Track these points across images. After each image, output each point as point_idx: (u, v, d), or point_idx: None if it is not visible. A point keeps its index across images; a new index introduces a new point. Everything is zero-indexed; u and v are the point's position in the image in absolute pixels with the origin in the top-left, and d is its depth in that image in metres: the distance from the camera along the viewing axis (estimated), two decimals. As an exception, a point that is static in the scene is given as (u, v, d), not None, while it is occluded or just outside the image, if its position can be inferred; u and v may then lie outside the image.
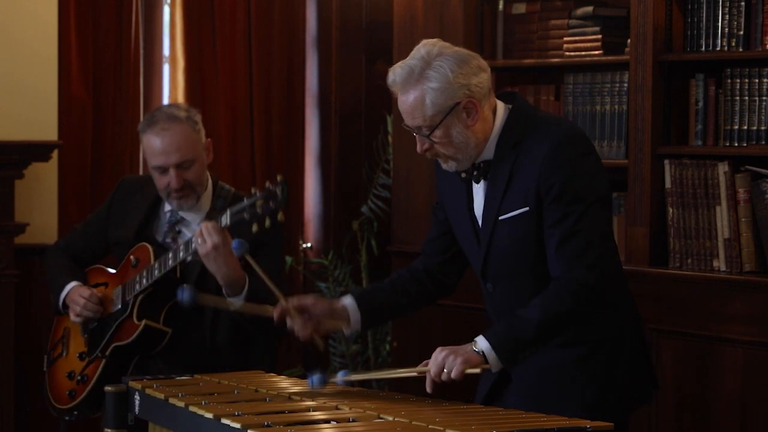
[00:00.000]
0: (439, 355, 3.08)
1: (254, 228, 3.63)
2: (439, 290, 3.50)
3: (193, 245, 3.80)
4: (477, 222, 3.29)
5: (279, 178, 3.61)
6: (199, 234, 3.77)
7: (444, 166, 3.26)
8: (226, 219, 3.75)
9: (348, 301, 3.41)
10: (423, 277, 3.47)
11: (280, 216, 3.61)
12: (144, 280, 3.94)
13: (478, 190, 3.27)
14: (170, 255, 3.89)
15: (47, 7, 5.42)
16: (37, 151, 5.31)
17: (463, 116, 3.16)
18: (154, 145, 3.97)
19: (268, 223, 3.60)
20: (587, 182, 3.16)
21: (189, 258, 3.88)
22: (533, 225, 3.17)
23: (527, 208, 3.17)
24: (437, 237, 3.48)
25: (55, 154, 5.40)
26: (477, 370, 3.06)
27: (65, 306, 4.12)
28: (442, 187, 3.43)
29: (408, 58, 3.19)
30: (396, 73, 3.19)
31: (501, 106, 3.25)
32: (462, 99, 3.15)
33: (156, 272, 3.91)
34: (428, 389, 3.09)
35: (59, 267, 4.19)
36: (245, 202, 3.65)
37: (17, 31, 5.36)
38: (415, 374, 3.16)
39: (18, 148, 5.25)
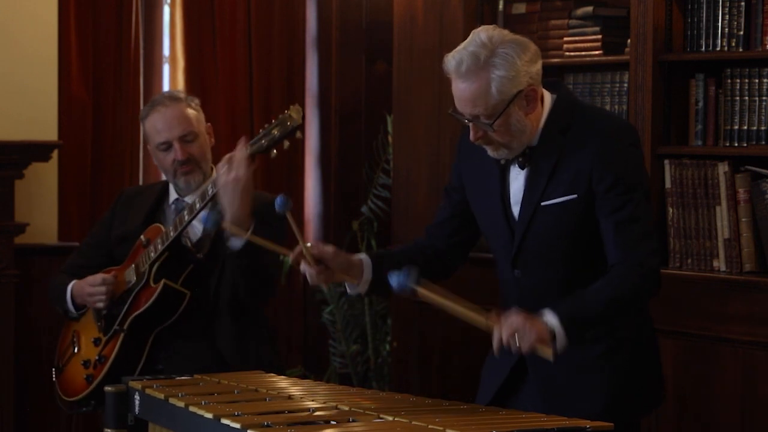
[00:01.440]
0: (515, 319, 2.99)
1: (273, 153, 3.77)
2: (441, 271, 3.44)
3: (211, 187, 3.83)
4: (510, 209, 3.25)
5: (296, 104, 3.77)
6: (226, 160, 3.82)
7: (493, 153, 3.21)
8: (246, 150, 3.82)
9: (364, 259, 3.33)
10: (430, 254, 3.42)
11: (298, 134, 3.75)
12: (159, 246, 3.98)
13: (517, 176, 3.24)
14: (185, 212, 3.94)
15: (47, 7, 5.42)
16: (37, 151, 5.31)
17: (523, 104, 3.14)
18: (157, 123, 4.05)
19: (287, 144, 3.75)
20: (638, 172, 3.19)
21: (207, 207, 3.91)
22: (578, 213, 3.16)
23: (575, 196, 3.16)
24: (447, 219, 3.44)
25: (55, 154, 5.40)
26: (548, 353, 2.96)
27: (77, 306, 4.12)
28: (466, 172, 3.38)
29: (468, 44, 3.12)
30: (458, 59, 3.11)
31: (547, 95, 3.23)
32: (524, 86, 3.13)
33: (172, 233, 3.96)
34: (495, 350, 3.02)
35: (58, 282, 4.20)
36: (262, 131, 3.78)
37: (17, 31, 5.36)
38: (483, 321, 3.03)
39: (18, 148, 5.26)
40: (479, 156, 3.30)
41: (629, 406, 3.25)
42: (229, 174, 3.80)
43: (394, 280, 3.03)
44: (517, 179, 3.25)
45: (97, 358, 4.06)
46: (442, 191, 3.51)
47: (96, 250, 4.23)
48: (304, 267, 3.29)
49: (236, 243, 3.85)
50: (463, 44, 3.15)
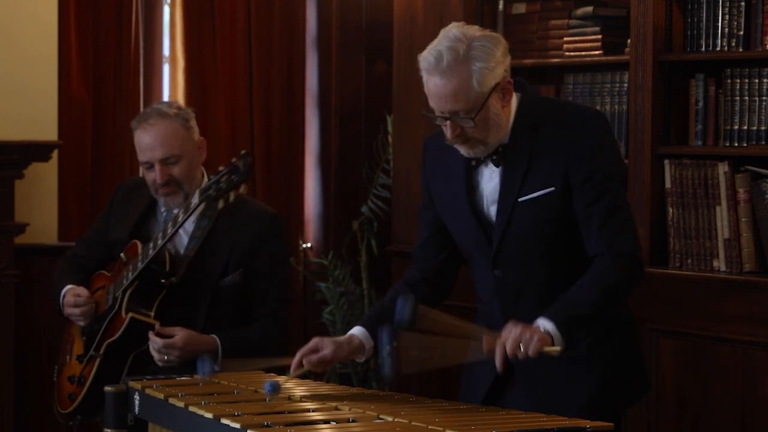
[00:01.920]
0: (514, 330, 3.01)
1: (220, 204, 3.76)
2: (438, 295, 3.45)
3: (170, 230, 3.85)
4: (484, 210, 3.26)
5: (242, 152, 3.73)
6: (157, 357, 3.87)
7: (467, 152, 3.20)
8: (195, 199, 3.81)
9: (359, 332, 3.33)
10: (420, 286, 3.43)
11: (242, 189, 3.75)
12: (130, 274, 3.96)
13: (492, 177, 3.24)
14: (151, 245, 3.92)
15: (47, 7, 5.42)
16: (37, 151, 5.31)
17: (500, 96, 3.15)
18: (142, 141, 4.01)
19: (232, 197, 3.73)
20: (613, 160, 3.21)
21: (172, 243, 3.94)
22: (556, 206, 3.17)
23: (552, 189, 3.16)
24: (428, 239, 3.45)
25: (55, 154, 5.40)
26: (556, 349, 2.99)
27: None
28: (433, 182, 3.40)
29: (441, 40, 3.12)
30: (436, 56, 3.10)
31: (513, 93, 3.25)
32: (501, 79, 3.14)
33: (139, 264, 3.93)
34: (499, 366, 3.02)
35: (60, 275, 4.20)
36: (211, 179, 3.78)
37: (17, 31, 5.36)
38: (481, 342, 3.05)
39: (18, 148, 5.26)
40: (444, 164, 3.31)
41: (615, 396, 3.26)
42: (170, 359, 3.87)
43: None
44: (492, 179, 3.25)
45: (78, 378, 4.07)
46: (417, 215, 3.50)
47: (96, 245, 4.23)
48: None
49: (205, 369, 3.83)
50: (435, 42, 3.14)
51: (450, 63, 3.10)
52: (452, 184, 3.32)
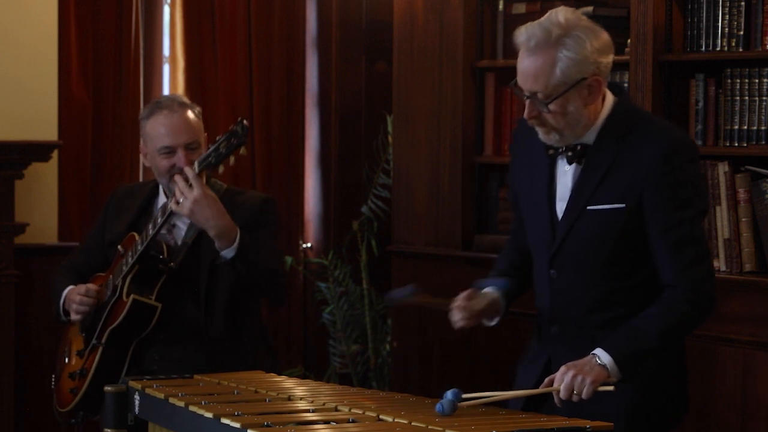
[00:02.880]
0: (567, 375, 2.98)
1: (221, 169, 3.82)
2: (523, 284, 3.41)
3: (170, 207, 3.87)
4: (555, 206, 3.20)
5: (239, 119, 3.81)
6: (178, 192, 3.83)
7: (544, 137, 3.15)
8: (195, 167, 3.85)
9: (493, 292, 3.29)
10: (525, 254, 3.38)
11: (242, 150, 3.81)
12: (130, 259, 3.97)
13: (566, 174, 3.19)
14: (150, 225, 3.94)
15: (47, 7, 5.42)
16: (37, 151, 5.31)
17: (584, 92, 3.09)
18: (160, 128, 4.01)
19: (232, 161, 3.80)
20: (695, 190, 3.13)
21: (171, 221, 3.97)
22: (622, 223, 3.11)
23: (623, 205, 3.10)
24: (518, 230, 3.40)
25: (55, 154, 5.40)
26: (610, 388, 2.97)
27: (66, 312, 4.12)
28: (517, 166, 3.34)
29: (544, 19, 3.09)
30: (530, 33, 3.07)
31: (609, 96, 3.18)
32: (590, 75, 3.07)
33: (139, 246, 3.94)
34: (558, 405, 3.01)
35: (58, 283, 4.21)
36: (209, 148, 3.83)
37: (17, 31, 5.36)
38: (540, 392, 3.06)
39: (18, 148, 5.26)
40: (530, 149, 3.25)
41: (650, 421, 3.19)
42: (186, 203, 3.82)
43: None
44: (565, 175, 3.19)
45: (79, 371, 4.07)
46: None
47: (92, 252, 4.24)
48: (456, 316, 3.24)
49: (228, 253, 3.86)
50: (540, 19, 3.11)
51: (539, 43, 3.06)
52: (534, 172, 3.25)
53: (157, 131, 4.02)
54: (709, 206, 3.20)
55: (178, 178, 3.86)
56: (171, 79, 5.91)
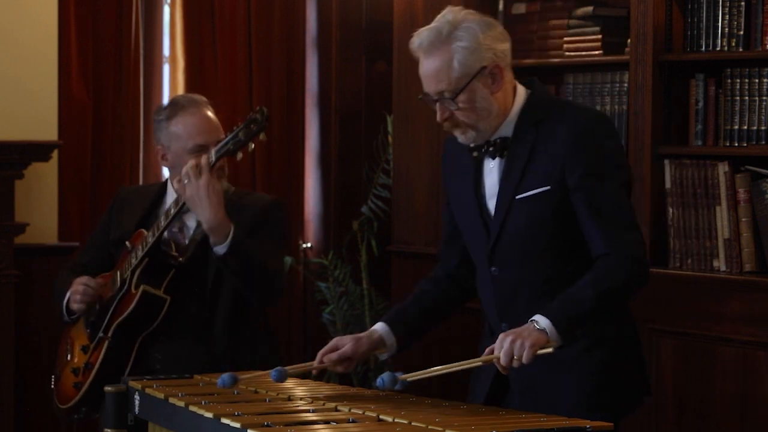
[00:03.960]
0: (505, 341, 3.00)
1: (239, 156, 3.80)
2: (463, 293, 3.45)
3: (182, 184, 3.86)
4: (485, 204, 3.25)
5: (259, 107, 3.80)
6: (186, 173, 3.83)
7: (461, 138, 3.21)
8: (212, 154, 3.83)
9: (380, 327, 3.34)
10: (446, 284, 3.43)
11: (262, 136, 3.76)
12: (139, 252, 3.97)
13: (492, 171, 3.24)
14: (162, 218, 3.94)
15: (47, 7, 5.42)
16: (37, 151, 5.31)
17: (488, 81, 3.14)
18: (193, 127, 4.01)
19: (251, 147, 3.77)
20: (614, 161, 3.17)
21: (180, 219, 3.96)
22: (552, 206, 3.15)
23: (548, 187, 3.14)
24: (450, 237, 3.44)
25: (55, 154, 5.40)
26: (549, 350, 2.99)
27: (70, 312, 4.12)
28: (448, 176, 3.39)
29: (433, 22, 3.15)
30: (422, 36, 3.14)
31: (521, 88, 3.23)
32: (489, 62, 3.13)
33: (150, 239, 3.94)
34: (503, 372, 3.05)
35: (62, 282, 4.20)
36: (229, 134, 3.81)
37: (17, 31, 5.36)
38: (481, 363, 3.09)
39: (18, 148, 5.26)
40: (458, 160, 3.30)
41: (609, 403, 3.22)
42: (193, 184, 3.82)
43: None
44: (492, 173, 3.24)
45: (84, 365, 4.07)
46: (441, 214, 3.51)
47: (97, 252, 4.24)
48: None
49: (220, 249, 3.86)
50: (427, 25, 3.18)
51: (433, 43, 3.12)
52: (463, 177, 3.31)
53: (187, 131, 4.01)
54: (633, 179, 3.23)
55: (190, 162, 3.85)
56: (171, 79, 5.91)
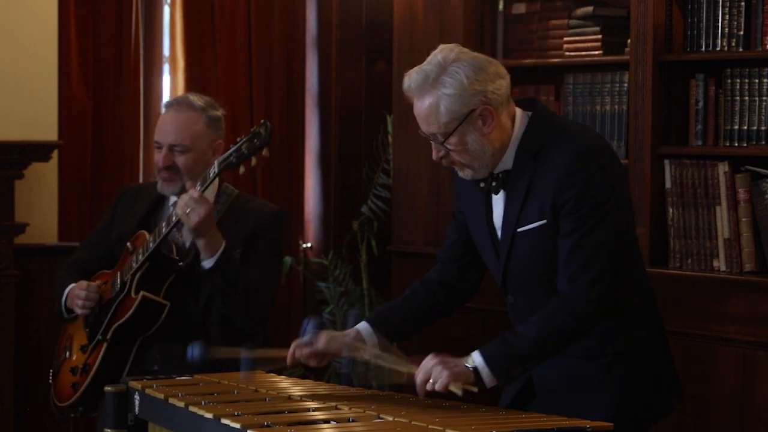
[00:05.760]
0: (429, 362, 3.04)
1: (241, 170, 3.79)
2: (455, 300, 3.44)
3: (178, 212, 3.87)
4: (496, 234, 3.23)
5: (262, 121, 3.78)
6: (181, 207, 3.83)
7: (460, 174, 3.19)
8: (214, 168, 3.83)
9: (363, 327, 3.35)
10: (437, 289, 3.42)
11: (265, 152, 3.74)
12: (140, 256, 3.98)
13: (498, 201, 3.22)
14: (163, 223, 3.94)
15: (47, 7, 5.42)
16: (37, 151, 5.31)
17: (478, 124, 3.10)
18: (162, 122, 4.09)
19: (254, 162, 3.75)
20: (604, 196, 3.09)
21: (179, 239, 3.95)
22: (551, 237, 3.12)
23: (545, 221, 3.12)
24: (456, 241, 3.42)
25: (55, 154, 5.40)
26: (458, 391, 3.00)
27: (69, 310, 4.12)
28: (461, 196, 3.37)
29: (425, 63, 3.12)
30: (411, 79, 3.12)
31: (520, 114, 3.18)
32: (477, 106, 3.08)
33: (151, 244, 3.95)
34: (419, 392, 3.06)
35: (62, 280, 4.21)
36: (232, 146, 3.80)
37: (17, 31, 5.36)
38: (403, 371, 3.12)
39: (18, 148, 5.26)
40: (470, 182, 3.28)
41: (634, 416, 3.20)
42: (191, 219, 3.81)
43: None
44: (498, 204, 3.23)
45: (82, 366, 4.07)
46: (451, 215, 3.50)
47: (98, 249, 4.24)
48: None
49: (206, 263, 3.88)
50: (420, 65, 3.14)
51: (421, 85, 3.10)
52: (475, 204, 3.29)
53: (158, 125, 4.10)
54: (623, 207, 3.16)
55: (182, 196, 3.86)
56: (171, 79, 5.91)
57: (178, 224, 3.95)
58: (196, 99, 4.10)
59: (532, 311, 3.16)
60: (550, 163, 3.11)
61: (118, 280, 4.04)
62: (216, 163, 3.86)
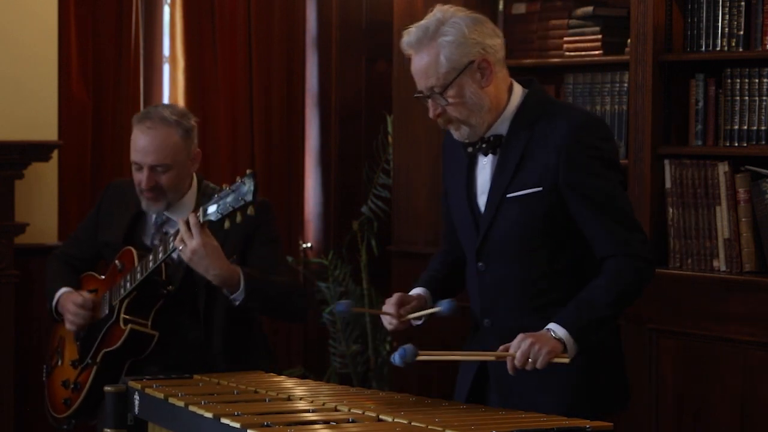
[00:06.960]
0: (523, 342, 3.03)
1: (226, 225, 3.64)
2: (462, 283, 3.46)
3: (171, 245, 3.80)
4: (476, 200, 3.26)
5: (248, 171, 3.62)
6: (179, 241, 3.74)
7: (456, 134, 3.22)
8: (199, 215, 3.71)
9: (424, 292, 3.37)
10: (446, 271, 3.46)
11: (250, 210, 3.59)
12: (128, 284, 3.93)
13: (484, 167, 3.25)
14: (151, 257, 3.88)
15: (47, 7, 5.42)
16: (37, 151, 5.31)
17: (477, 76, 3.15)
18: (137, 141, 3.97)
19: (239, 218, 3.61)
20: (611, 163, 3.18)
21: (175, 254, 3.85)
22: (543, 206, 3.16)
23: (540, 189, 3.15)
24: (449, 231, 3.46)
25: (55, 154, 5.40)
26: (565, 360, 3.03)
27: (59, 314, 4.12)
28: (446, 169, 3.40)
29: (423, 20, 3.20)
30: (410, 34, 3.19)
31: (518, 87, 3.24)
32: (476, 57, 3.14)
33: (138, 275, 3.90)
34: (510, 372, 3.07)
35: (53, 274, 4.19)
36: (216, 196, 3.65)
37: (17, 31, 5.36)
38: (494, 358, 3.13)
39: (18, 148, 5.26)
40: (455, 150, 3.32)
41: (589, 407, 3.19)
42: (187, 250, 3.72)
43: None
44: (484, 170, 3.25)
45: (73, 385, 4.06)
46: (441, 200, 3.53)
47: (86, 247, 4.21)
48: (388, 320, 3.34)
49: (237, 297, 3.81)
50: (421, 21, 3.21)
51: (420, 40, 3.16)
52: (457, 172, 3.33)
53: (133, 143, 3.99)
54: (625, 180, 3.26)
55: (180, 222, 3.75)
56: (171, 79, 5.90)
57: (167, 259, 3.88)
58: (168, 113, 3.98)
59: (500, 279, 3.23)
60: (548, 133, 3.16)
61: (107, 302, 4.01)
62: (201, 212, 3.70)
